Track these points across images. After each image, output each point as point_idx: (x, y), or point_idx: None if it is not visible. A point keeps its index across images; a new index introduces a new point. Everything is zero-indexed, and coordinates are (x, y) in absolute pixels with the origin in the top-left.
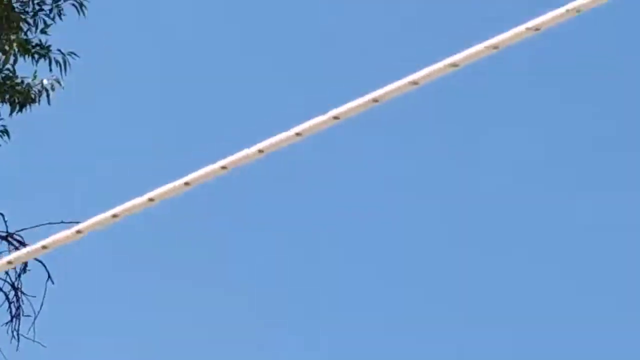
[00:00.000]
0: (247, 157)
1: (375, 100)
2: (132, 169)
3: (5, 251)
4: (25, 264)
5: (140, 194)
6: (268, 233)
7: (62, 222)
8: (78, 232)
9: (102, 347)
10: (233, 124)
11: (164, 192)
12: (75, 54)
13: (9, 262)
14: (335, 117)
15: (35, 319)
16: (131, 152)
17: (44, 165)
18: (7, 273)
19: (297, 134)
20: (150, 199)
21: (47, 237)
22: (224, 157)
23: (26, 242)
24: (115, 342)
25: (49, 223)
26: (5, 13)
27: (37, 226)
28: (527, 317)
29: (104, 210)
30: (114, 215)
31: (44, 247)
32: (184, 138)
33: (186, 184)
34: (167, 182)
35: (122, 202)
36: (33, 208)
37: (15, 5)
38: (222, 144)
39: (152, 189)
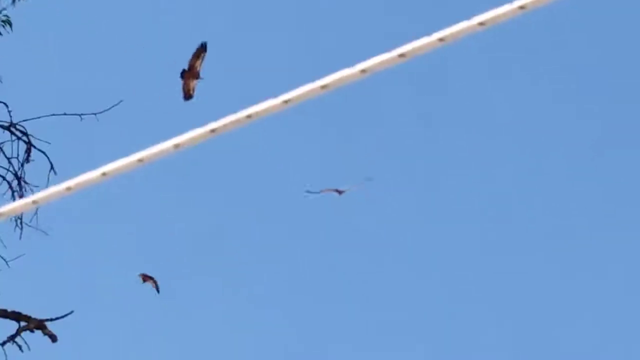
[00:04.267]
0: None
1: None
2: (137, 58)
3: (8, 141)
4: (29, 154)
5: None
6: None
7: (64, 114)
8: (103, 174)
9: (106, 235)
10: None
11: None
12: None
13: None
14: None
15: (38, 207)
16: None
17: (48, 56)
18: (10, 162)
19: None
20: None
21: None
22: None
23: (29, 133)
24: (119, 229)
25: (53, 114)
26: None
27: (40, 117)
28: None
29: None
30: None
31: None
32: None
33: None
34: None
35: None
36: (37, 99)
37: None
38: None
39: None
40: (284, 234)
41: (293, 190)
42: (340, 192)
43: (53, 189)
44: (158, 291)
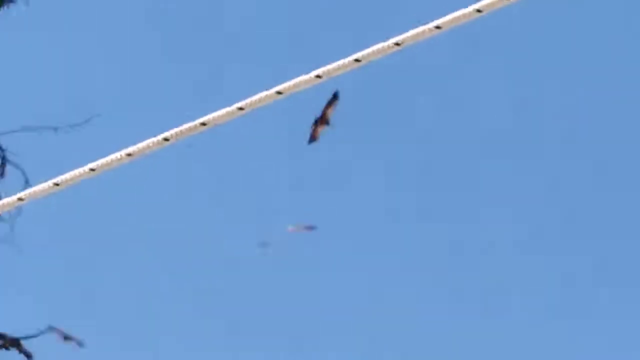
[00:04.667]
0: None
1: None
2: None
3: None
4: (3, 169)
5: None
6: None
7: (39, 127)
8: (92, 169)
9: (84, 246)
10: None
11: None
12: None
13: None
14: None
15: (13, 223)
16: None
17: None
18: None
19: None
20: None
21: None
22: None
23: (3, 147)
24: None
25: (27, 128)
26: None
27: (14, 131)
28: None
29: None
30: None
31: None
32: None
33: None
34: None
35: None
36: (9, 112)
37: None
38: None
39: None
40: None
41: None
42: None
43: (40, 186)
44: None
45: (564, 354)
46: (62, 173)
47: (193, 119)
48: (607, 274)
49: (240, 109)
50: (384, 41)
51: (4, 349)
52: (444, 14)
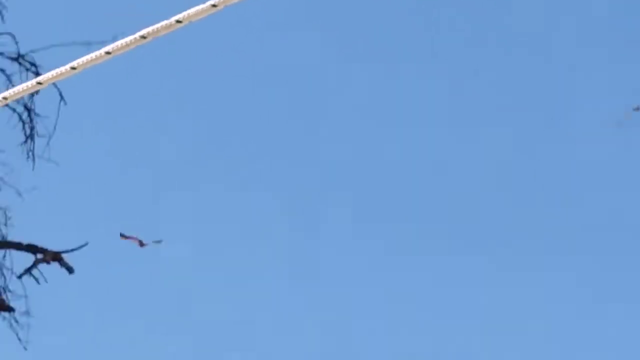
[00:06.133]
0: None
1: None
2: None
3: (16, 73)
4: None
5: (168, 16)
6: None
7: (74, 43)
8: (107, 53)
9: (113, 169)
10: None
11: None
12: None
13: (39, 83)
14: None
15: (49, 139)
16: None
17: None
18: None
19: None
20: (178, 21)
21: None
22: None
23: (37, 64)
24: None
25: (61, 44)
26: None
27: (49, 47)
28: None
29: (123, 32)
30: (143, 37)
31: (72, 68)
32: None
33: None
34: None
35: (147, 24)
36: (45, 28)
37: None
38: None
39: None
40: None
41: None
42: (142, 244)
43: (58, 70)
44: (142, 245)
45: None
46: (94, 89)
47: None
48: None
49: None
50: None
51: (45, 263)
52: None
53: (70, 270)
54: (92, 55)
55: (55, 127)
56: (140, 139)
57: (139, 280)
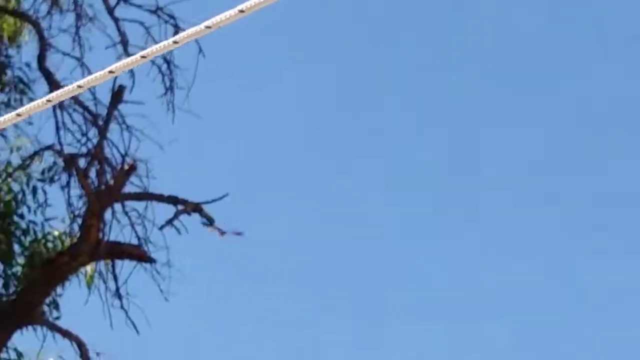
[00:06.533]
0: None
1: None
2: None
3: (156, 25)
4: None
5: None
6: None
7: None
8: (241, 11)
9: (256, 117)
10: None
11: None
12: None
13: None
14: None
15: (188, 91)
16: None
17: None
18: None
19: None
20: None
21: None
22: None
23: (176, 16)
24: (271, 109)
25: None
26: None
27: None
28: None
29: None
30: None
31: (207, 27)
32: None
33: None
34: None
35: None
36: None
37: None
38: None
39: None
40: None
41: None
42: (222, 234)
43: (193, 29)
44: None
45: None
46: (234, 42)
47: None
48: None
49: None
50: None
51: (186, 214)
52: None
53: (210, 221)
54: (227, 13)
55: (194, 79)
56: (273, 91)
57: (274, 231)
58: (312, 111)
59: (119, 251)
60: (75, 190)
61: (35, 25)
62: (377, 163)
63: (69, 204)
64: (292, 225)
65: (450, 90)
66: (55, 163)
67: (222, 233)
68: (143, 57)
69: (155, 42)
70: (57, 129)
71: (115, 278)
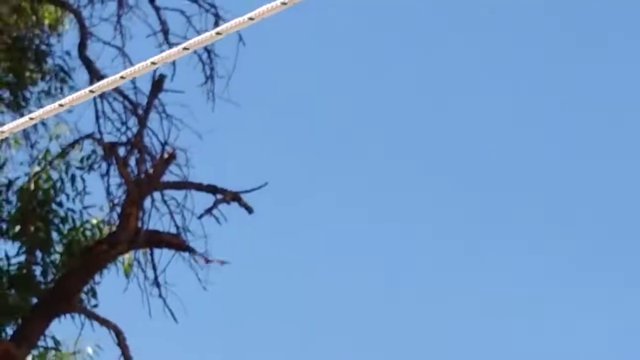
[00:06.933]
0: None
1: None
2: None
3: (197, 14)
4: (217, 27)
5: None
6: None
7: None
8: (283, 3)
9: (298, 101)
10: None
11: None
12: None
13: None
14: None
15: (229, 80)
16: None
17: None
18: (199, 35)
19: None
20: None
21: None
22: None
23: (217, 6)
24: (311, 97)
25: None
26: None
27: None
28: None
29: None
30: None
31: (250, 18)
32: None
33: None
34: None
35: None
36: None
37: None
38: None
39: None
40: None
41: None
42: (207, 261)
43: (236, 20)
44: (207, 262)
45: None
46: (275, 32)
47: None
48: None
49: None
50: None
51: (225, 204)
52: None
53: (249, 210)
54: (270, 5)
55: (234, 68)
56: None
57: (313, 219)
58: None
59: (158, 240)
60: (115, 179)
61: (76, 14)
62: None
63: (108, 193)
64: (331, 212)
65: None
66: (94, 151)
67: (207, 261)
68: (185, 48)
69: (196, 31)
70: (97, 117)
71: (154, 267)
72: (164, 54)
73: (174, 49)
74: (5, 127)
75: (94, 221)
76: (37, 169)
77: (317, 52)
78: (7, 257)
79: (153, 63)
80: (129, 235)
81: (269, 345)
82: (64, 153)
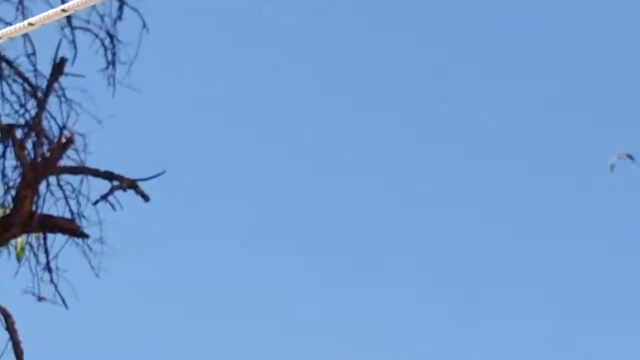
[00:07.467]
0: None
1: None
2: None
3: None
4: (121, 12)
5: None
6: None
7: None
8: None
9: (198, 94)
10: None
11: None
12: None
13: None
14: None
15: (130, 66)
16: None
17: None
18: (102, 20)
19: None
20: None
21: None
22: None
23: None
24: (211, 89)
25: None
26: None
27: None
28: None
29: None
30: None
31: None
32: None
33: None
34: None
35: None
36: None
37: None
38: None
39: None
40: None
41: None
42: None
43: (47, 13)
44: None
45: None
46: (178, 17)
47: None
48: None
49: None
50: None
51: (121, 191)
52: None
53: (146, 198)
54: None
55: (137, 54)
56: (224, 70)
57: (213, 209)
58: (257, 89)
59: (52, 224)
60: (11, 162)
61: None
62: None
63: (4, 175)
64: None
65: None
66: None
67: (41, 299)
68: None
69: (100, 16)
70: None
71: (47, 251)
72: (41, 15)
73: (53, 10)
74: None
75: None
76: None
77: (222, 41)
78: None
79: (30, 24)
80: (23, 219)
81: (160, 333)
82: None
